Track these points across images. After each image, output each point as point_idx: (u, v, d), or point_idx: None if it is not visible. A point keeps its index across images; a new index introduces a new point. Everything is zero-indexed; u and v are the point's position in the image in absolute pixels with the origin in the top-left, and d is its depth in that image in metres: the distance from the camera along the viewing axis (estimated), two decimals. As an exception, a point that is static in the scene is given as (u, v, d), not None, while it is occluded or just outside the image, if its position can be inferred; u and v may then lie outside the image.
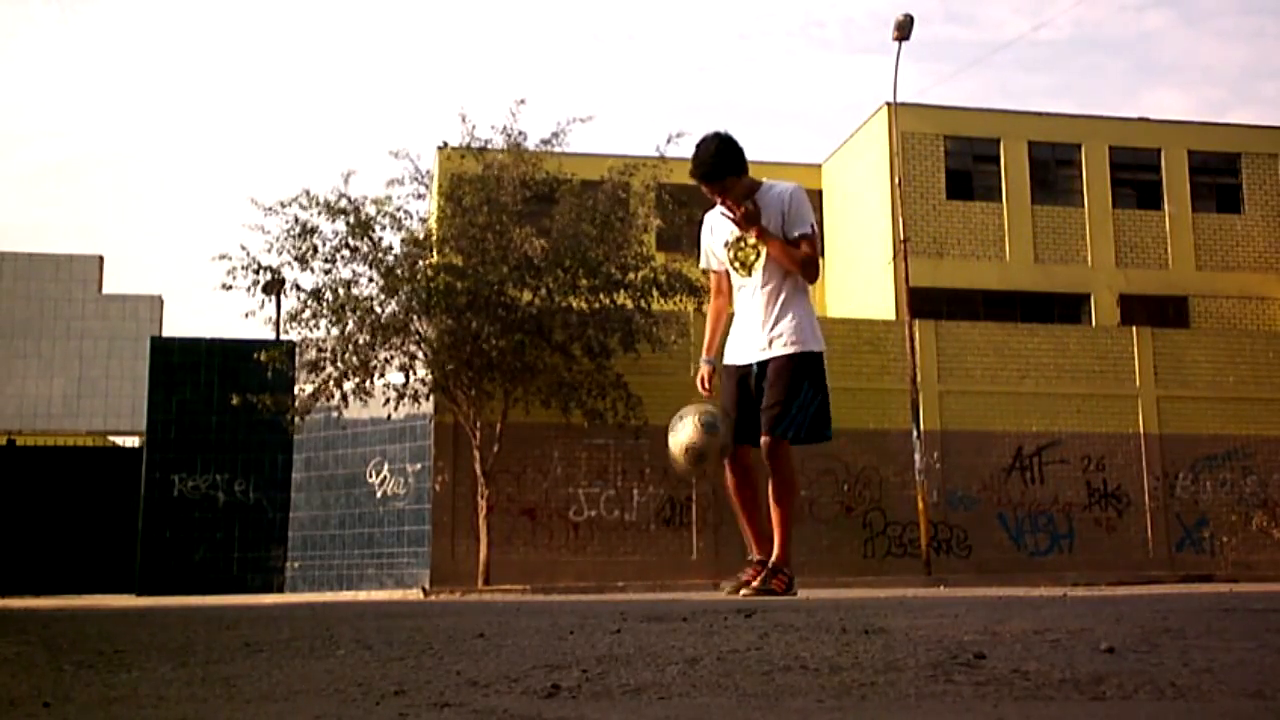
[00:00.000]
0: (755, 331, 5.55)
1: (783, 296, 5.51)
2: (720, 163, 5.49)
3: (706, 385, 5.74)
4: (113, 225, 79.75)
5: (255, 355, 16.16)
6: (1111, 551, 17.90)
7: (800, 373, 5.45)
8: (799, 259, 5.49)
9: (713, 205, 5.76)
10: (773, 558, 5.49)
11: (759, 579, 5.43)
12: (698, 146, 5.54)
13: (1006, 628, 2.82)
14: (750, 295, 5.60)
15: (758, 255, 5.54)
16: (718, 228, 5.75)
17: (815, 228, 5.60)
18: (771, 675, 2.11)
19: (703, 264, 5.94)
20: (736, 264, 5.64)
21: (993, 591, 7.66)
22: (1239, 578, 15.19)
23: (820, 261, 5.83)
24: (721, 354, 5.77)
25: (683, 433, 5.40)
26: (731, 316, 5.84)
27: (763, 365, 5.51)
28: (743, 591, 5.39)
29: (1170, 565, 17.64)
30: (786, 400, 5.41)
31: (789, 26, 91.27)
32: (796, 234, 5.50)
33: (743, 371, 5.59)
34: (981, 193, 24.38)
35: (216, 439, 17.69)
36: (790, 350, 5.46)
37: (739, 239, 5.60)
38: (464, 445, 15.88)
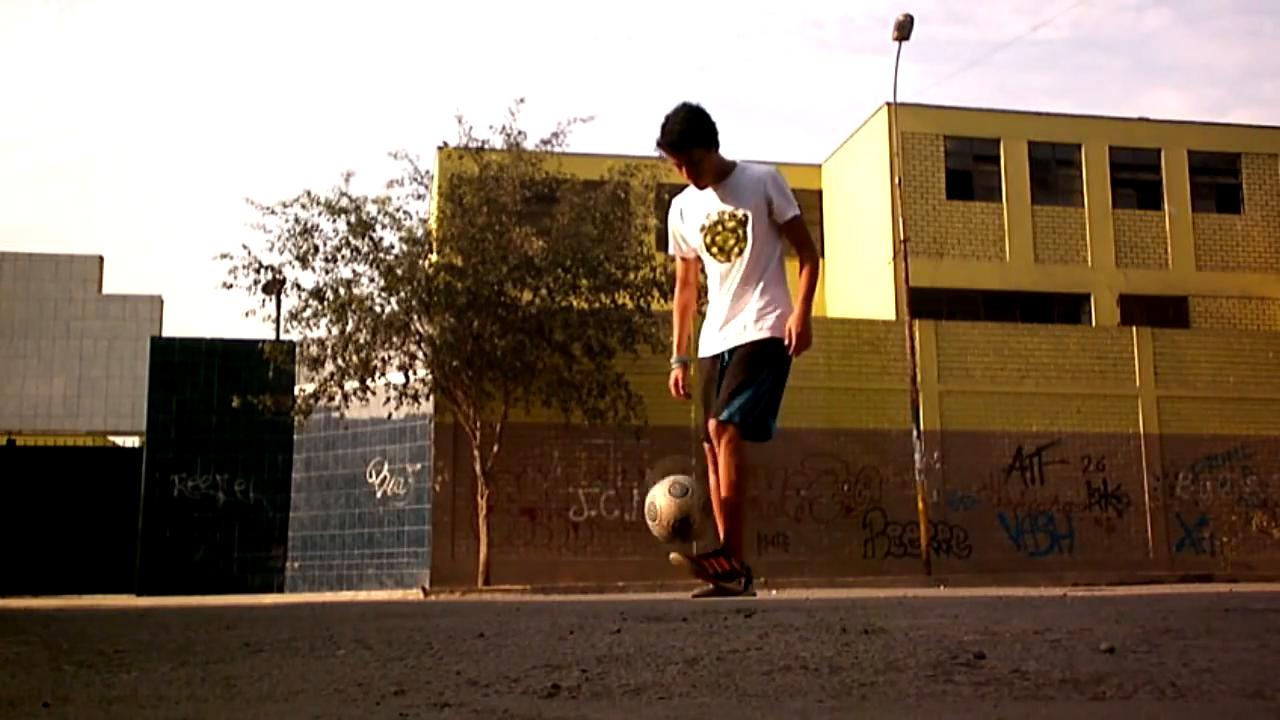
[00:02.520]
0: (736, 317, 5.25)
1: (765, 283, 5.25)
2: (688, 131, 5.14)
3: (682, 388, 5.42)
4: (113, 225, 79.79)
5: (260, 347, 16.27)
6: (1111, 551, 17.90)
7: (767, 358, 5.19)
8: (815, 280, 5.33)
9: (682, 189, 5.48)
10: (720, 539, 5.20)
11: (711, 569, 5.12)
12: (666, 115, 5.20)
13: (1006, 628, 2.82)
14: (730, 282, 5.27)
15: (738, 240, 5.24)
16: (688, 212, 5.42)
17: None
18: (771, 675, 2.11)
19: (671, 250, 5.56)
20: (715, 250, 5.29)
21: (993, 591, 7.66)
22: (1239, 578, 15.19)
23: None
24: (692, 352, 5.44)
25: (662, 508, 5.09)
26: (699, 310, 5.56)
27: (735, 348, 5.22)
28: (695, 592, 5.16)
29: (1170, 565, 17.65)
30: (744, 384, 5.13)
31: (788, 26, 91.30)
32: (789, 216, 5.28)
33: (719, 360, 5.30)
34: (981, 193, 24.36)
35: (216, 439, 17.70)
36: (767, 335, 5.17)
37: (716, 223, 5.28)
38: (464, 445, 15.88)
